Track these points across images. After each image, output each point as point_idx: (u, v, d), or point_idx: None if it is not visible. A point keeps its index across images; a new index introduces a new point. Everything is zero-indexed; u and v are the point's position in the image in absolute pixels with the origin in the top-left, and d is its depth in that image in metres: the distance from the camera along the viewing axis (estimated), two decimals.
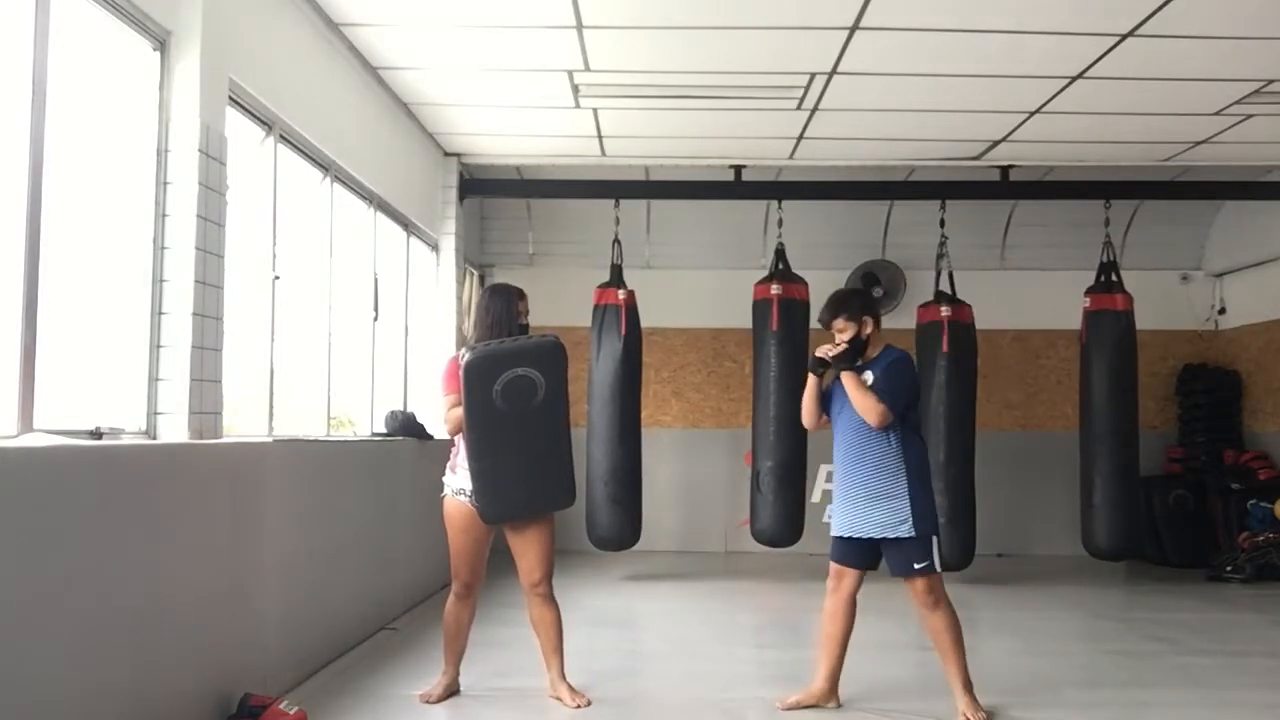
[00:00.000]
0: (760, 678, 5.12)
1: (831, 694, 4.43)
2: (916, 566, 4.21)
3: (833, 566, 4.42)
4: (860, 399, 4.21)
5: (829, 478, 9.44)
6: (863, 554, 4.34)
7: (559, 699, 4.40)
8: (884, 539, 4.25)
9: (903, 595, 4.40)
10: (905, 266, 9.51)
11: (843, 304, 4.37)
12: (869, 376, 4.28)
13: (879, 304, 4.59)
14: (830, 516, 4.49)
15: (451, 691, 4.50)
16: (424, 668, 4.80)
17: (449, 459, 4.41)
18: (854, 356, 4.30)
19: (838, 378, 4.32)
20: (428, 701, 4.41)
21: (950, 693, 4.30)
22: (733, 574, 8.57)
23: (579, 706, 4.34)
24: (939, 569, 4.27)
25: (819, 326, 4.55)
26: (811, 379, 4.42)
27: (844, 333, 4.31)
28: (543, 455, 4.24)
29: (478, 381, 4.10)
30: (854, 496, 4.29)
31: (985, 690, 4.38)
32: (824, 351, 4.34)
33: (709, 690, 4.68)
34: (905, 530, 4.19)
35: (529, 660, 4.71)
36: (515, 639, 5.40)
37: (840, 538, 4.36)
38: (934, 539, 4.25)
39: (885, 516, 4.21)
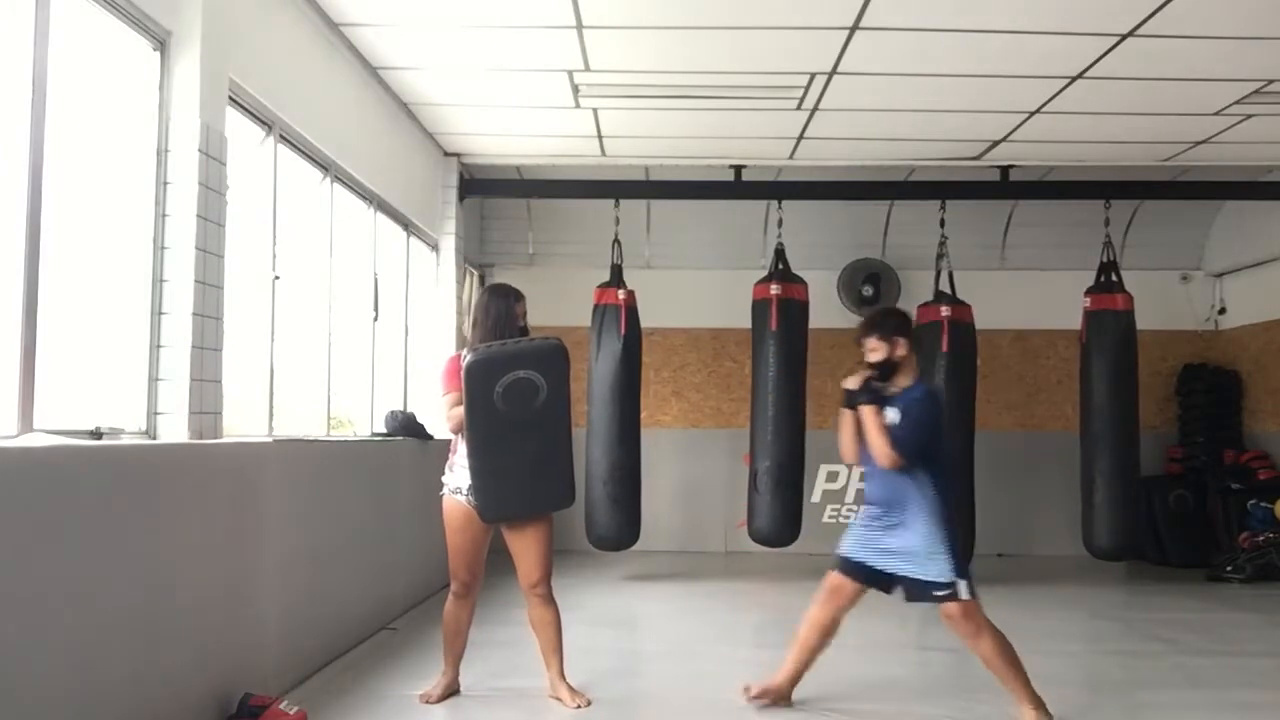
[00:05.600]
0: (760, 678, 5.06)
1: (788, 696, 4.42)
2: (936, 594, 4.02)
3: (834, 577, 4.23)
4: (873, 438, 4.04)
5: (829, 478, 9.60)
6: (872, 577, 4.17)
7: (559, 699, 4.40)
8: (903, 576, 4.09)
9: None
10: (905, 267, 9.50)
11: (876, 323, 4.21)
12: (891, 413, 4.07)
13: (907, 324, 4.30)
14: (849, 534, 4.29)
15: (451, 691, 4.50)
16: (424, 668, 4.80)
17: (448, 457, 4.41)
18: (873, 392, 4.12)
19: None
20: (427, 701, 4.41)
21: (947, 694, 4.28)
22: (733, 574, 8.57)
23: (579, 706, 4.34)
24: (967, 596, 4.03)
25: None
26: (847, 413, 4.19)
27: (875, 352, 4.15)
28: (543, 457, 4.23)
29: (479, 383, 4.11)
30: (874, 529, 4.14)
31: (986, 690, 4.38)
32: (850, 384, 4.19)
33: (709, 690, 4.67)
34: (926, 574, 4.02)
35: (529, 660, 4.71)
36: (515, 639, 5.40)
37: (851, 559, 4.20)
38: (958, 576, 4.02)
39: (905, 561, 4.05)
